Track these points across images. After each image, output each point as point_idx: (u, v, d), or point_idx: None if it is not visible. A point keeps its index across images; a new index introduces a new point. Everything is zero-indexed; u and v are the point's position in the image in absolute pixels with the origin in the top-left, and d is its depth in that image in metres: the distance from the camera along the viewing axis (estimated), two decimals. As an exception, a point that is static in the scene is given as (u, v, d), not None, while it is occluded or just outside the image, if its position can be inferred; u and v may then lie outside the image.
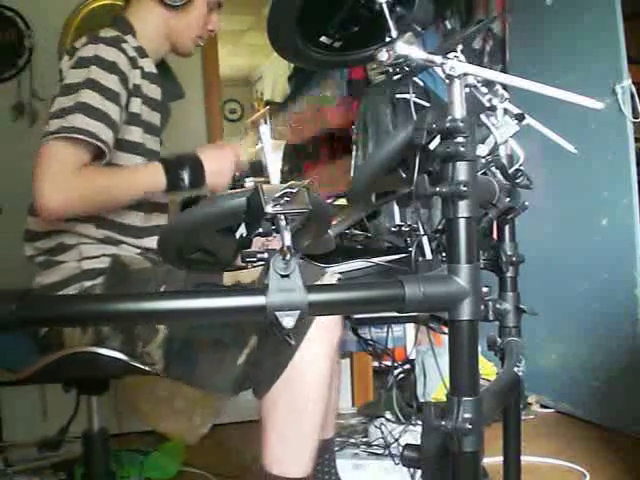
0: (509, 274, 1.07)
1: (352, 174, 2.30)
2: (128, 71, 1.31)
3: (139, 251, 1.38)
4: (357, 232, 1.41)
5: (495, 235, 1.08)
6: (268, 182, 1.48)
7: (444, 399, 0.77)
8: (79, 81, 1.24)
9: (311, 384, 1.19)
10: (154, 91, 1.42)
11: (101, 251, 1.33)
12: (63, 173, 1.19)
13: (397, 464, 1.87)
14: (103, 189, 1.27)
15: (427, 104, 2.05)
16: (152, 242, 1.42)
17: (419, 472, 0.82)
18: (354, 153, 2.28)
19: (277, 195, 0.74)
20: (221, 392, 1.22)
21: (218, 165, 1.38)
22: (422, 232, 1.00)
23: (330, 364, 1.21)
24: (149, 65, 1.40)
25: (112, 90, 1.26)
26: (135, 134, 1.35)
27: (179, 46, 1.48)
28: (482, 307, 0.80)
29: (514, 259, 1.06)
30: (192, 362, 1.21)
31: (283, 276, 0.72)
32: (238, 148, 1.44)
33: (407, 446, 0.83)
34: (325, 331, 1.19)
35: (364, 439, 2.25)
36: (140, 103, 1.35)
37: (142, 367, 1.24)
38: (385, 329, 2.16)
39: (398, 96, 2.07)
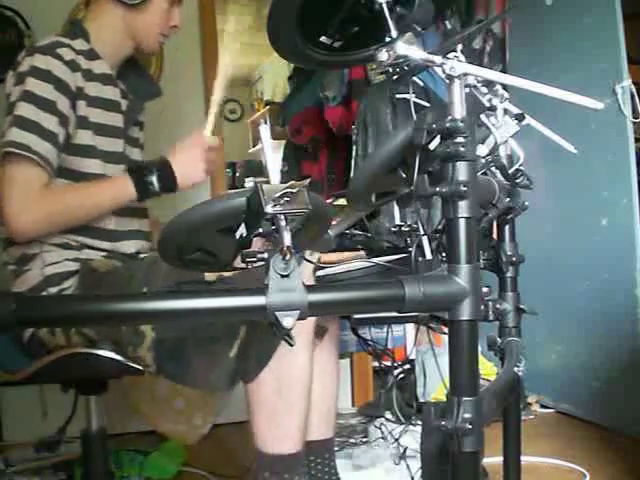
0: (509, 274, 1.07)
1: (352, 174, 2.30)
2: (66, 76, 1.30)
3: (104, 254, 1.38)
4: (357, 232, 1.41)
5: (495, 235, 1.08)
6: (268, 182, 1.47)
7: (444, 399, 0.77)
8: (17, 97, 1.27)
9: (295, 363, 1.22)
10: (109, 92, 1.41)
11: (63, 256, 1.34)
12: (29, 195, 1.23)
13: (397, 464, 1.87)
14: (71, 208, 1.29)
15: (427, 104, 2.05)
16: (127, 247, 1.43)
17: (419, 472, 0.82)
18: (354, 153, 2.28)
19: (277, 195, 0.74)
20: (216, 389, 1.24)
21: (187, 165, 1.37)
22: (422, 232, 1.00)
23: (310, 338, 1.25)
24: (102, 67, 1.40)
25: (47, 99, 1.27)
26: (84, 137, 1.35)
27: (142, 45, 1.47)
28: (482, 307, 0.80)
29: (514, 259, 1.06)
30: (185, 362, 1.22)
31: (283, 276, 0.72)
32: (203, 138, 1.41)
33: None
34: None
35: (364, 439, 2.25)
36: (85, 105, 1.35)
37: (139, 367, 1.24)
38: (385, 329, 2.16)
39: (398, 96, 2.07)
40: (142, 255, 1.47)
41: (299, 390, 1.24)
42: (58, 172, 1.32)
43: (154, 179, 1.32)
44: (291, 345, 0.73)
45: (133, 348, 1.24)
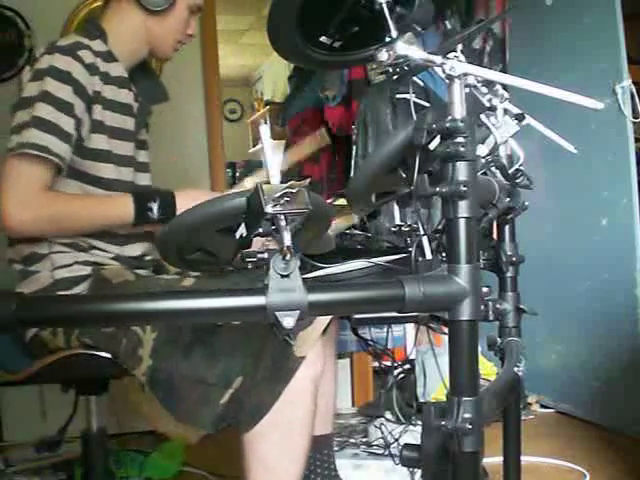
0: (509, 274, 1.07)
1: (352, 174, 2.30)
2: (85, 79, 1.30)
3: (112, 255, 1.38)
4: (357, 232, 1.40)
5: (495, 235, 1.08)
6: (268, 182, 1.47)
7: (444, 399, 0.77)
8: (34, 94, 1.26)
9: (296, 417, 1.19)
10: (124, 95, 1.41)
11: (73, 259, 1.34)
12: (28, 192, 1.22)
13: (397, 464, 1.87)
14: (69, 215, 1.29)
15: (427, 104, 2.05)
16: (134, 250, 1.43)
17: (419, 472, 0.82)
18: (354, 153, 2.28)
19: (277, 195, 0.74)
20: (200, 428, 1.22)
21: (192, 203, 1.37)
22: (422, 232, 1.00)
23: (314, 395, 1.21)
24: (118, 69, 1.40)
25: (66, 101, 1.27)
26: (99, 141, 1.35)
27: (158, 51, 1.48)
28: (482, 307, 0.80)
29: (514, 259, 1.06)
30: (174, 394, 1.22)
31: (283, 276, 0.72)
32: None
33: (407, 446, 0.83)
34: (307, 366, 1.19)
35: (364, 439, 2.25)
36: (101, 109, 1.35)
37: None
38: (385, 329, 2.16)
39: (398, 96, 2.07)
40: (147, 258, 1.47)
41: (302, 441, 1.21)
42: (72, 175, 1.32)
43: (154, 207, 1.31)
44: (290, 345, 0.73)
45: (129, 369, 1.25)
